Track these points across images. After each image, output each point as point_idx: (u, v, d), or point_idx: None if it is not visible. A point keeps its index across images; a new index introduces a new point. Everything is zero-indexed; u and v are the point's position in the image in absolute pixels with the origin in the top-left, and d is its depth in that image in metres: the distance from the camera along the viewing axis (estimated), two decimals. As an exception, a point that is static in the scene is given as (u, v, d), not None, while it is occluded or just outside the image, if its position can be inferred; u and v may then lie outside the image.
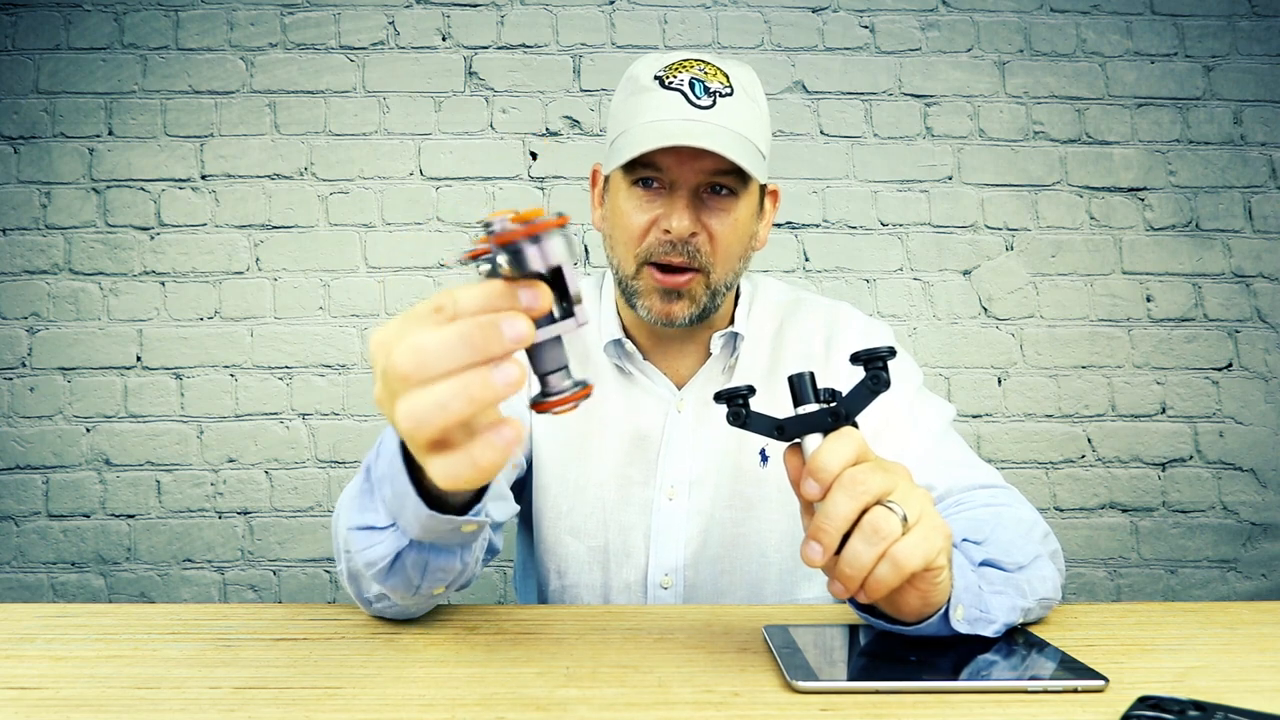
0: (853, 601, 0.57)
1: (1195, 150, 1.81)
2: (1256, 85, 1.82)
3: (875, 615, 0.59)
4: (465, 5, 1.80)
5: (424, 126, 1.78)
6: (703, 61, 0.81)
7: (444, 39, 1.80)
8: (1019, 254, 1.80)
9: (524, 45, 1.80)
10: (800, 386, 0.54)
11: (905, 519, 0.50)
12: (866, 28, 1.82)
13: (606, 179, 0.87)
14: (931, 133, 1.81)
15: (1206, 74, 1.82)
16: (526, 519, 0.95)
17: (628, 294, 0.84)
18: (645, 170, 0.79)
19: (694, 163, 0.77)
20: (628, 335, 0.90)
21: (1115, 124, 1.81)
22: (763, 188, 0.87)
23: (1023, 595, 0.61)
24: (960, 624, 0.57)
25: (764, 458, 0.87)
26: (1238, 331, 1.79)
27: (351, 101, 1.78)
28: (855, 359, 0.52)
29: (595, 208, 0.90)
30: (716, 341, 0.88)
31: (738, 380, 0.89)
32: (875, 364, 0.51)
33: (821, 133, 1.80)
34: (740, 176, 0.79)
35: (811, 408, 0.53)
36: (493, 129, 1.79)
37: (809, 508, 0.53)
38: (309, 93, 1.78)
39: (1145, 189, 1.81)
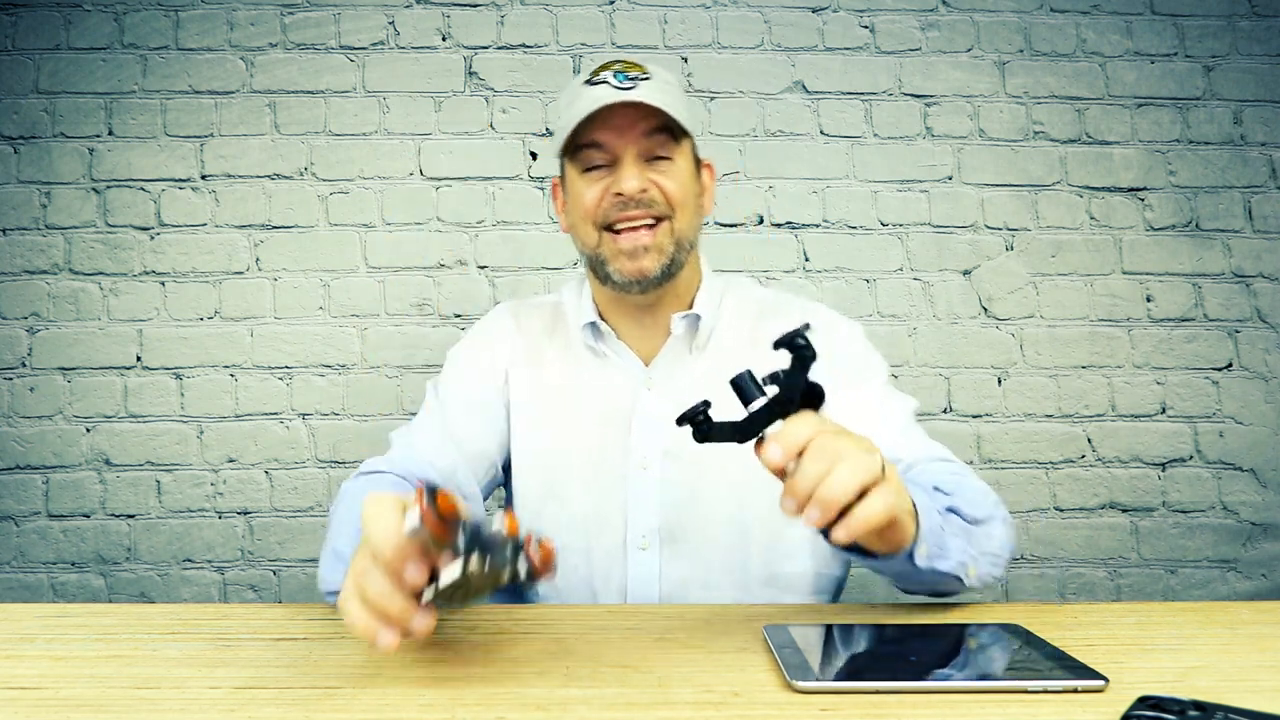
0: (825, 533, 0.61)
1: (1195, 150, 1.81)
2: (1256, 85, 1.82)
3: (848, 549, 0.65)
4: (465, 5, 1.80)
5: (424, 126, 1.78)
6: (625, 60, 0.92)
7: (444, 39, 1.80)
8: (1019, 254, 1.80)
9: (524, 45, 1.80)
10: (744, 387, 0.58)
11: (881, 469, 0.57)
12: (866, 28, 1.82)
13: (563, 181, 0.97)
14: (931, 133, 1.81)
15: (1206, 74, 1.82)
16: (509, 496, 1.01)
17: (598, 266, 0.92)
18: (590, 152, 0.89)
19: (630, 131, 0.88)
20: (602, 318, 0.98)
21: (1115, 124, 1.81)
22: (698, 161, 0.96)
23: (975, 545, 0.72)
24: (922, 559, 0.65)
25: None
26: (1238, 331, 1.79)
27: (351, 101, 1.78)
28: (778, 345, 0.57)
29: (560, 214, 0.99)
30: (678, 321, 0.94)
31: (707, 363, 0.95)
32: (796, 343, 0.56)
33: (821, 133, 1.80)
34: (669, 136, 0.89)
35: (760, 402, 0.57)
36: (493, 129, 1.79)
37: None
38: (309, 93, 1.78)
39: (1145, 189, 1.81)
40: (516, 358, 1.00)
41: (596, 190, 0.90)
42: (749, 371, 0.59)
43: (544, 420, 0.96)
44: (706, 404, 0.59)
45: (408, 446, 0.91)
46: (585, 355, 0.98)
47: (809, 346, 0.56)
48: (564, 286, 1.06)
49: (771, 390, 0.58)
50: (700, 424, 0.59)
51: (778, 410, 0.57)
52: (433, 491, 0.49)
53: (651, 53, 1.79)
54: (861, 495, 0.55)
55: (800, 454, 0.55)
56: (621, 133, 0.88)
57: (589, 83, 0.89)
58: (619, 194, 0.88)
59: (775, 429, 0.57)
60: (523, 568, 0.52)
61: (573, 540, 0.93)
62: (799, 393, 0.57)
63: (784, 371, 0.57)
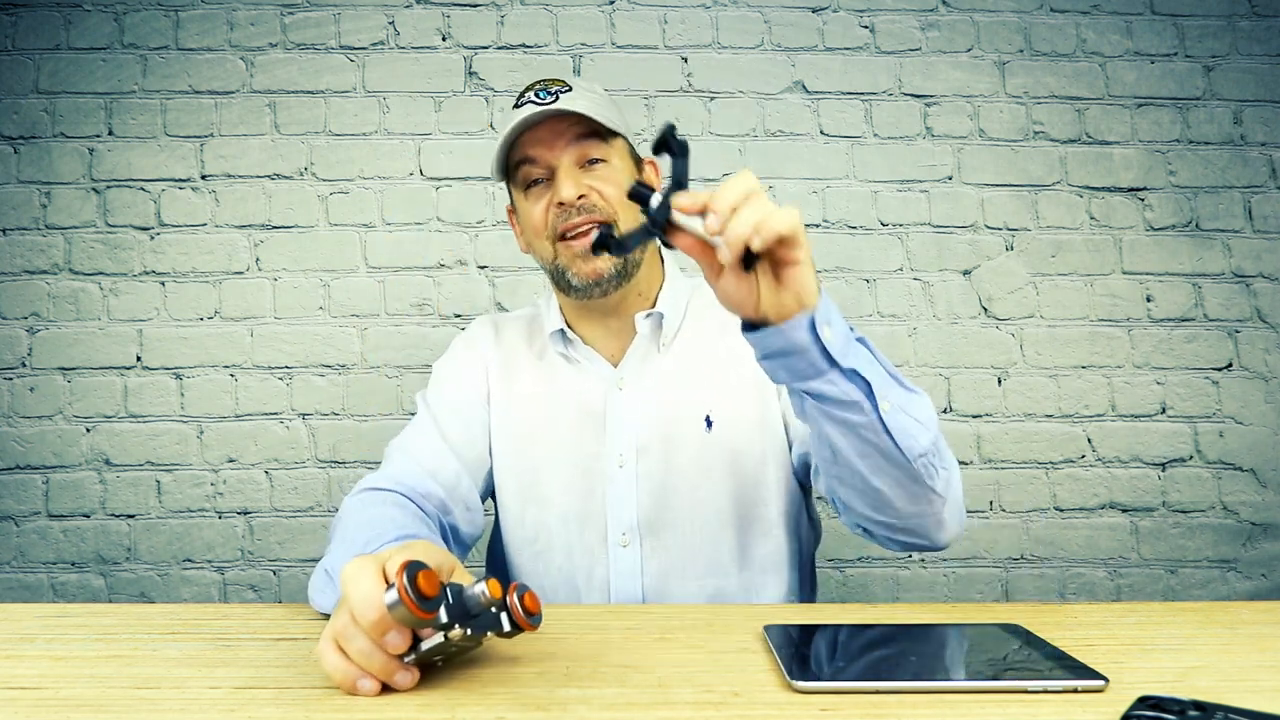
0: (745, 325, 0.67)
1: (1195, 150, 1.81)
2: (1256, 85, 1.82)
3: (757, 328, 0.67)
4: (465, 5, 1.80)
5: (424, 126, 1.78)
6: (548, 79, 0.95)
7: (444, 39, 1.80)
8: (1019, 254, 1.80)
9: (524, 45, 1.80)
10: (638, 192, 0.62)
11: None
12: (866, 28, 1.82)
13: (513, 206, 1.00)
14: (931, 133, 1.81)
15: (1206, 74, 1.82)
16: (495, 504, 1.03)
17: (558, 277, 0.95)
18: (526, 168, 0.92)
19: (557, 141, 0.90)
20: (569, 325, 1.01)
21: (1115, 124, 1.81)
22: (638, 160, 0.99)
23: (895, 394, 0.70)
24: (830, 342, 0.65)
25: (709, 423, 0.95)
26: (1238, 331, 1.79)
27: (351, 101, 1.78)
28: (656, 149, 0.63)
29: (518, 238, 1.02)
30: (642, 321, 0.97)
31: (674, 360, 0.98)
32: (665, 143, 0.62)
33: (821, 133, 1.80)
34: (601, 139, 0.92)
35: (657, 196, 0.62)
36: (493, 129, 1.79)
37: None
38: (309, 93, 1.78)
39: (1145, 189, 1.81)
40: (496, 368, 1.03)
41: (540, 206, 0.92)
42: (636, 180, 0.64)
43: (522, 427, 0.99)
44: (609, 225, 0.72)
45: (408, 459, 0.92)
46: (558, 362, 1.01)
47: (675, 140, 0.62)
48: (539, 301, 1.10)
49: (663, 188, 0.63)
50: (609, 240, 0.64)
51: (678, 189, 0.62)
52: (414, 573, 0.49)
53: (651, 53, 1.80)
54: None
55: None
56: (550, 144, 0.90)
57: (516, 106, 0.93)
58: (560, 203, 0.90)
59: (681, 218, 0.62)
60: (506, 624, 0.54)
61: (555, 541, 0.95)
62: (687, 176, 0.63)
63: (672, 169, 0.63)
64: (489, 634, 0.54)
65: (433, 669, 0.54)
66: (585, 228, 0.90)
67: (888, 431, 0.68)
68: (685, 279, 1.04)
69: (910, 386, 0.74)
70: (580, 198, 0.90)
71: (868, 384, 0.67)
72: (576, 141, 0.91)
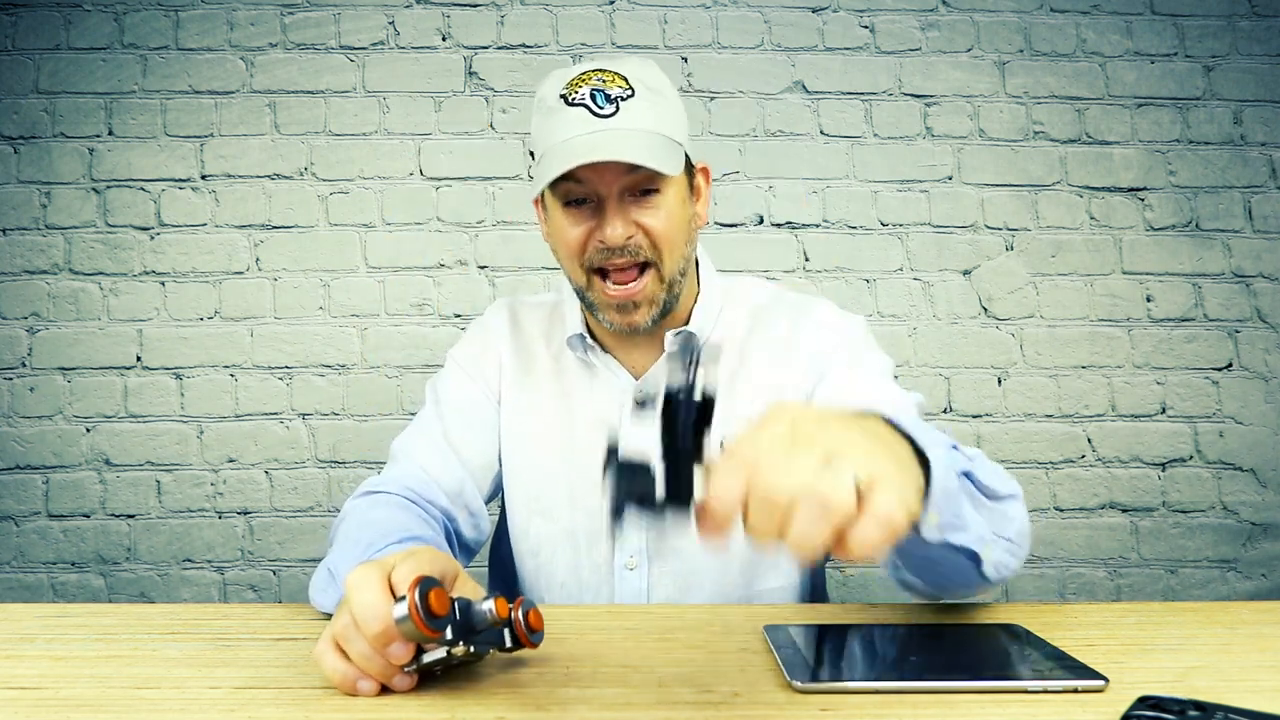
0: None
1: (1195, 150, 1.81)
2: (1256, 85, 1.82)
3: None
4: (465, 5, 1.80)
5: (424, 126, 1.78)
6: (602, 71, 0.84)
7: (444, 39, 1.79)
8: (1019, 254, 1.80)
9: (524, 45, 1.80)
10: (628, 475, 0.44)
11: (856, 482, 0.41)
12: (866, 28, 1.82)
13: (543, 201, 0.90)
14: (931, 133, 1.81)
15: (1206, 74, 1.82)
16: (502, 506, 0.99)
17: (587, 305, 0.89)
18: (570, 186, 0.82)
19: (610, 172, 0.80)
20: (590, 329, 0.94)
21: (1115, 124, 1.81)
22: (691, 168, 0.90)
23: (992, 523, 0.60)
24: (932, 531, 0.52)
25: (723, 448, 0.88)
26: (1238, 331, 1.79)
27: (351, 101, 1.78)
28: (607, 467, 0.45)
29: (542, 225, 0.94)
30: (672, 339, 0.90)
31: (700, 379, 0.89)
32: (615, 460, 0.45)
33: (821, 133, 1.80)
34: (656, 173, 0.81)
35: (660, 476, 0.44)
36: (493, 129, 1.79)
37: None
38: (309, 93, 1.78)
39: (1145, 189, 1.81)
40: (510, 365, 0.97)
41: (579, 233, 0.84)
42: (611, 451, 0.45)
43: (533, 431, 0.94)
44: (641, 484, 0.44)
45: (412, 463, 0.89)
46: (576, 365, 0.95)
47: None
48: (565, 285, 1.03)
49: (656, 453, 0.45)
50: (639, 505, 0.44)
51: (683, 466, 0.44)
52: (426, 590, 0.48)
53: (651, 52, 1.79)
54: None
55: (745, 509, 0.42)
56: (600, 173, 0.80)
57: (567, 101, 0.82)
58: (602, 241, 0.82)
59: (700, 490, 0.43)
60: (508, 640, 0.54)
61: (560, 557, 0.91)
62: (690, 433, 0.43)
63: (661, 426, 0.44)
64: (491, 650, 0.54)
65: (431, 675, 0.54)
66: (625, 267, 0.83)
67: (985, 576, 0.61)
68: (720, 285, 0.97)
69: (1004, 492, 0.63)
70: (628, 238, 0.81)
71: (974, 551, 0.58)
72: (631, 171, 0.80)
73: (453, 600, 0.50)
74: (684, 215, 0.87)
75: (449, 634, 0.49)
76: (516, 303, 1.03)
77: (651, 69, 0.86)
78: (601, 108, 0.80)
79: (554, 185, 0.83)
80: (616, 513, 0.44)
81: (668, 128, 0.83)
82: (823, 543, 0.41)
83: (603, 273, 0.84)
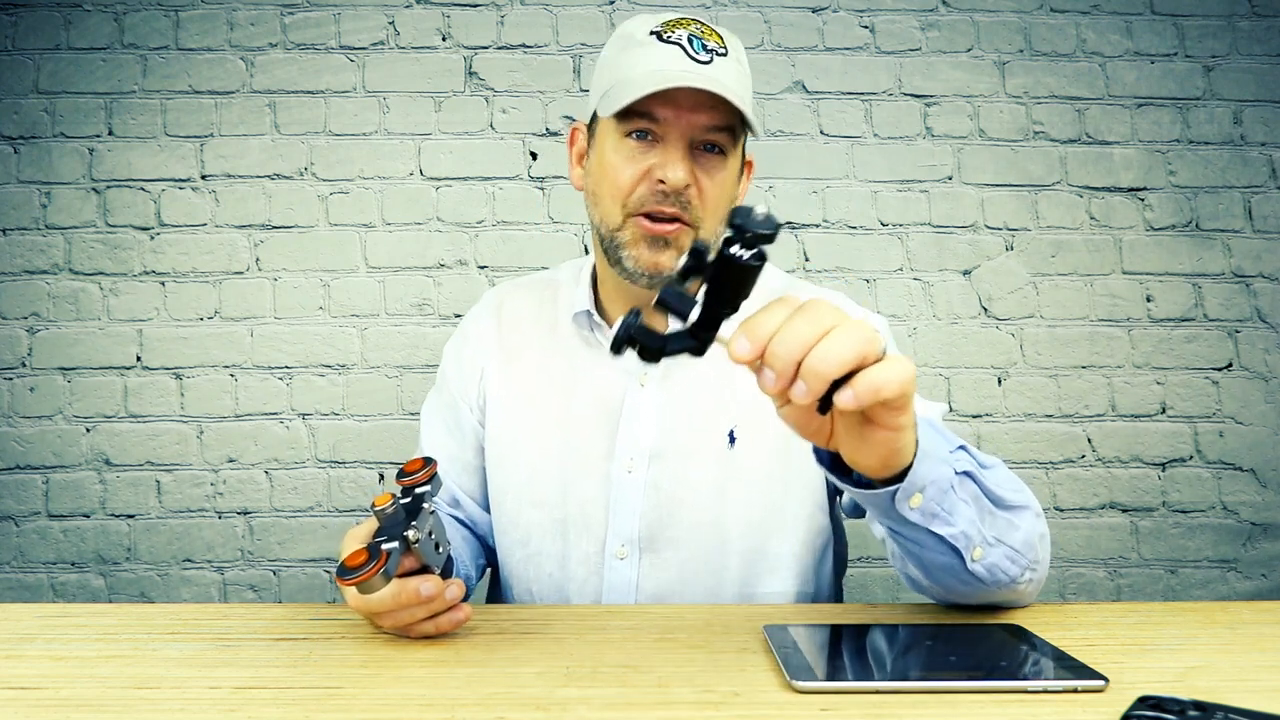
0: (818, 451, 0.58)
1: (1195, 150, 1.81)
2: (1256, 85, 1.82)
3: (836, 470, 0.59)
4: (465, 5, 1.80)
5: (424, 126, 1.78)
6: (699, 21, 0.83)
7: (444, 39, 1.79)
8: (1019, 254, 1.80)
9: (524, 45, 1.80)
10: (669, 301, 0.48)
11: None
12: (866, 28, 1.82)
13: (590, 135, 0.87)
14: (931, 133, 1.81)
15: (1206, 74, 1.82)
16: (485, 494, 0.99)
17: (612, 248, 0.84)
18: (641, 121, 0.80)
19: (692, 115, 0.78)
20: (598, 308, 0.92)
21: (1115, 124, 1.81)
22: (744, 160, 0.89)
23: (991, 528, 0.62)
24: (913, 512, 0.56)
25: (732, 440, 0.86)
26: (1238, 331, 1.79)
27: (351, 101, 1.78)
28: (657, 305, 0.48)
29: (574, 166, 0.91)
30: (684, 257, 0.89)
31: (709, 363, 0.89)
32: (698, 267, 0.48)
33: (821, 133, 1.80)
34: (730, 135, 0.81)
35: (696, 309, 0.48)
36: (493, 129, 1.79)
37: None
38: (309, 93, 1.78)
39: (1145, 189, 1.81)
40: (496, 364, 0.96)
41: (635, 170, 0.80)
42: (665, 288, 0.48)
43: (525, 421, 0.92)
44: (636, 312, 0.49)
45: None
46: (575, 344, 0.92)
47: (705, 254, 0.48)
48: (564, 265, 1.02)
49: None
50: (638, 342, 0.48)
51: (718, 305, 0.48)
52: (341, 565, 0.58)
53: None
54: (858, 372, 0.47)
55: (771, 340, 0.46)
56: (681, 114, 0.78)
57: (659, 37, 0.79)
58: (661, 181, 0.79)
59: (727, 330, 0.48)
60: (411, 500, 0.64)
61: (548, 545, 0.89)
62: (737, 293, 0.47)
63: (708, 270, 0.47)
64: (426, 506, 0.63)
65: (442, 653, 0.60)
66: (670, 220, 0.80)
67: (974, 575, 0.63)
68: None
69: (1013, 502, 0.65)
70: (686, 186, 0.79)
71: (955, 547, 0.60)
72: (708, 122, 0.79)
73: (369, 545, 0.59)
74: (733, 191, 0.86)
75: (382, 547, 0.58)
76: (504, 292, 1.02)
77: (740, 43, 0.85)
78: (697, 53, 0.79)
79: (623, 116, 0.79)
80: (617, 348, 0.49)
81: (747, 100, 0.82)
82: (841, 366, 0.45)
83: (644, 217, 0.81)
